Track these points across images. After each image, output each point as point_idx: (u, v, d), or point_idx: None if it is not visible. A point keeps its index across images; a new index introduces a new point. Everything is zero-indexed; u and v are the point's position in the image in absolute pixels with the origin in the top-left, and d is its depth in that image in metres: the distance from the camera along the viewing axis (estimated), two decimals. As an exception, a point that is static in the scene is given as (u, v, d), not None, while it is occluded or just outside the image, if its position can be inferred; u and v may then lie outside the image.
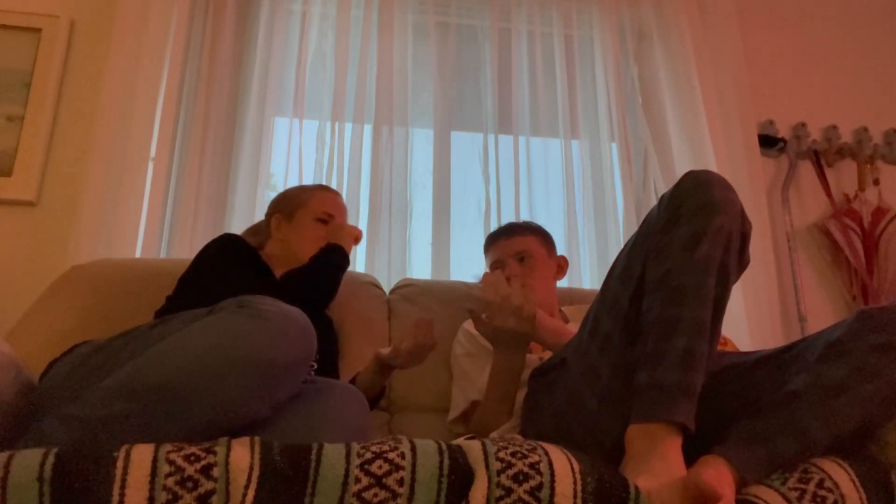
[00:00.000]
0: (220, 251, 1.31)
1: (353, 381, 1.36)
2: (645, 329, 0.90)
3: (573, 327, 1.26)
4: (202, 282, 1.26)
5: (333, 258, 1.39)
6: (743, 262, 0.97)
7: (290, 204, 1.52)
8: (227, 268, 1.28)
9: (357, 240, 1.51)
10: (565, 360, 1.11)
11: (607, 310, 1.01)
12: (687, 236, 0.91)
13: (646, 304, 0.92)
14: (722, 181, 0.94)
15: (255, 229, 1.62)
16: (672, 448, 0.81)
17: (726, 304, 0.93)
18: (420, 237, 2.12)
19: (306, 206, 1.50)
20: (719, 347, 1.57)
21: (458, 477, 0.70)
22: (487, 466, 0.70)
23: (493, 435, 1.34)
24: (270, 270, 1.35)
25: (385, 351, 1.29)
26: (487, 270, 1.59)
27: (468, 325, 1.56)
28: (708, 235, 0.90)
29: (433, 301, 1.70)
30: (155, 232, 1.92)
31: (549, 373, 1.17)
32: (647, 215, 1.01)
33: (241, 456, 0.69)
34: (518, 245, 1.56)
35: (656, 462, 0.79)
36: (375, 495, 0.68)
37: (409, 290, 1.74)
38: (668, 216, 0.95)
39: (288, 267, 1.41)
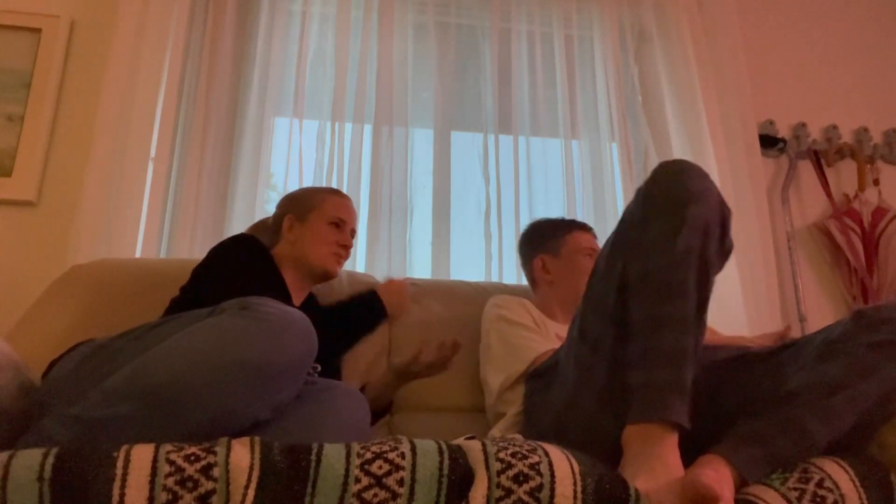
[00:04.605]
0: (236, 252, 1.31)
1: (361, 391, 1.35)
2: (632, 328, 0.90)
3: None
4: (215, 281, 1.26)
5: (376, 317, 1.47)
6: (725, 250, 0.96)
7: (303, 205, 1.51)
8: (241, 271, 1.27)
9: (402, 309, 1.58)
10: (559, 362, 1.11)
11: (593, 309, 1.01)
12: (664, 230, 0.90)
13: (631, 303, 0.92)
14: (696, 170, 0.93)
15: (259, 227, 1.61)
16: (669, 448, 0.81)
17: (710, 293, 0.92)
18: (420, 237, 2.12)
19: (320, 208, 1.50)
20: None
21: (458, 477, 0.70)
22: (488, 467, 0.70)
23: (494, 435, 1.34)
24: (281, 276, 1.35)
25: (401, 359, 1.29)
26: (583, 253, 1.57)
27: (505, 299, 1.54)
28: (685, 227, 0.89)
29: (433, 301, 1.70)
30: (155, 232, 1.92)
31: (545, 375, 1.17)
32: (625, 210, 1.00)
33: (241, 456, 0.69)
34: None
35: (654, 463, 0.79)
36: (375, 495, 0.68)
37: (410, 290, 1.74)
38: (643, 210, 0.94)
39: (297, 268, 1.43)
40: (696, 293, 0.89)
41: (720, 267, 0.96)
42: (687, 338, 0.86)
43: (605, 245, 1.03)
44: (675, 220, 0.90)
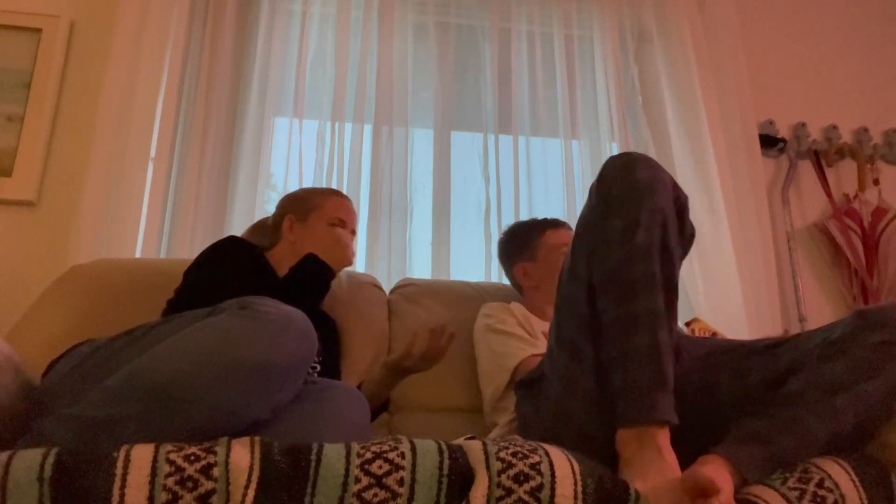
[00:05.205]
0: (225, 253, 1.31)
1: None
2: (606, 330, 0.90)
3: None
4: (207, 283, 1.26)
5: (314, 267, 1.38)
6: (685, 236, 0.96)
7: (303, 206, 1.51)
8: (232, 271, 1.28)
9: (342, 263, 1.47)
10: (544, 372, 1.11)
11: (566, 315, 1.00)
12: (622, 227, 0.90)
13: (600, 305, 0.92)
14: (645, 160, 0.93)
15: (258, 228, 1.61)
16: (663, 447, 0.81)
17: (677, 281, 0.93)
18: (420, 237, 2.12)
19: (321, 209, 1.50)
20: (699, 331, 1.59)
21: (459, 477, 0.70)
22: (488, 467, 0.70)
23: (494, 436, 1.34)
24: (276, 275, 1.35)
25: (394, 355, 1.28)
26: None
27: (493, 308, 1.55)
28: (642, 221, 0.89)
29: (433, 301, 1.70)
30: (155, 232, 1.92)
31: (534, 386, 1.16)
32: (581, 211, 1.00)
33: (241, 456, 0.69)
34: None
35: (650, 466, 0.79)
36: (375, 495, 0.68)
37: (410, 290, 1.74)
38: (598, 209, 0.94)
39: None
40: (662, 285, 0.89)
41: (684, 254, 0.96)
42: (661, 332, 0.86)
43: (569, 248, 1.03)
44: (630, 215, 0.90)
